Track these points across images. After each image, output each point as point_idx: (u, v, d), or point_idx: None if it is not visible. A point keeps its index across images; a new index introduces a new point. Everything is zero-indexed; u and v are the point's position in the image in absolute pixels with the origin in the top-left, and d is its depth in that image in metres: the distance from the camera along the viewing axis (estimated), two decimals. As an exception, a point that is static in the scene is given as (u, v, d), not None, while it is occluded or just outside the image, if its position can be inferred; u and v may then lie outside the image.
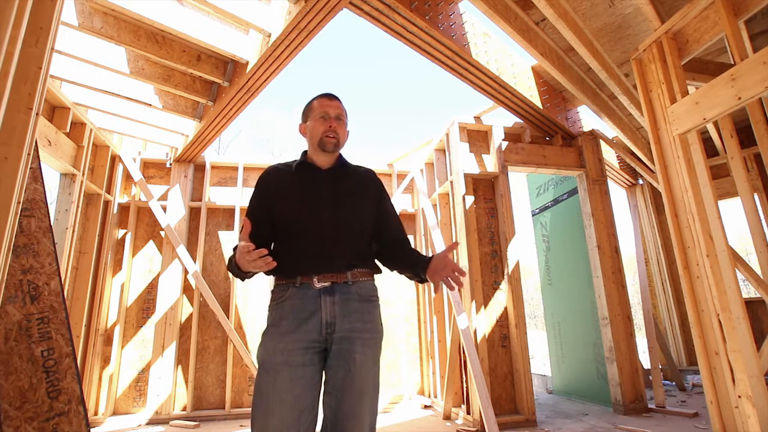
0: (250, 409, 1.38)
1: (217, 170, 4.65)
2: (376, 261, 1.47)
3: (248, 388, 4.10)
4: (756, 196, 4.15)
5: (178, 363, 3.97)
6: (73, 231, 3.52)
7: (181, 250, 4.07)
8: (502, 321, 3.66)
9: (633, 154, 4.60)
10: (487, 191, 3.99)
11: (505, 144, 3.96)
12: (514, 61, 3.60)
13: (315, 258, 1.30)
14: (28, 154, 1.33)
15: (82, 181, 3.61)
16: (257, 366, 1.25)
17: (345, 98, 1.60)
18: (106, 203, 4.10)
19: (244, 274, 1.29)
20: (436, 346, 4.25)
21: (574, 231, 4.37)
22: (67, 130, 3.43)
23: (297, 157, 1.51)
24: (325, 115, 1.41)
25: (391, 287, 4.78)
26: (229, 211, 4.53)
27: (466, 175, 3.81)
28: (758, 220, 3.18)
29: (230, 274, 4.29)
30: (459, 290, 3.65)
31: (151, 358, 3.90)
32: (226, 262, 1.36)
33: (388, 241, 1.47)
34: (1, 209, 1.23)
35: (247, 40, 3.10)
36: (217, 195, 4.60)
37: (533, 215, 5.19)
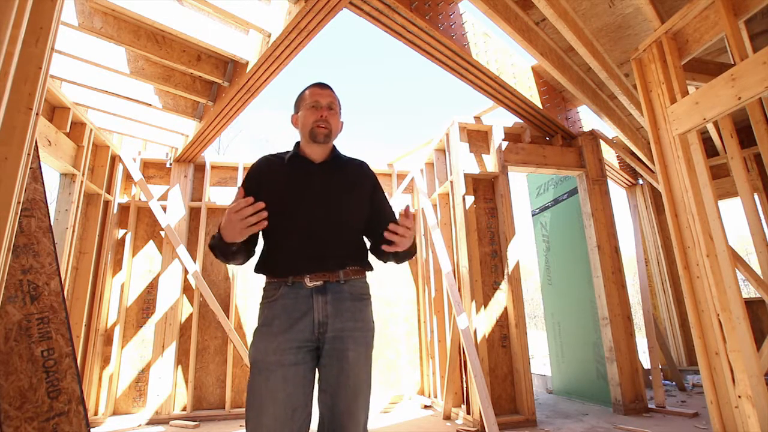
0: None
1: (217, 170, 4.65)
2: (369, 257, 1.44)
3: (248, 388, 4.10)
4: (756, 196, 4.15)
5: (178, 363, 3.97)
6: (73, 231, 3.52)
7: (181, 250, 4.07)
8: (502, 321, 3.66)
9: (633, 154, 4.60)
10: (487, 191, 3.99)
11: (505, 144, 3.96)
12: (514, 61, 3.60)
13: (307, 257, 1.28)
14: (28, 154, 1.33)
15: (82, 181, 3.61)
16: (250, 366, 1.25)
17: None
18: (106, 203, 4.10)
19: (228, 248, 1.21)
20: (436, 346, 4.25)
21: (574, 231, 4.37)
22: (67, 130, 3.43)
23: (290, 148, 1.46)
24: (316, 104, 1.38)
25: (391, 287, 4.78)
26: (229, 211, 4.52)
27: (466, 175, 3.81)
28: (758, 220, 3.18)
29: (229, 269, 4.32)
30: (459, 290, 3.65)
31: (151, 358, 3.90)
32: (209, 242, 1.29)
33: (381, 236, 1.44)
34: (1, 209, 1.23)
35: (247, 40, 3.10)
36: (217, 195, 4.60)
37: (533, 215, 5.19)
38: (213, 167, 4.62)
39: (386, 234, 1.20)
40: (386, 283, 4.78)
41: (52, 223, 2.24)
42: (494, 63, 3.36)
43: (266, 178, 1.37)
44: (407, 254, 1.38)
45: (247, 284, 4.40)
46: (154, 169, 4.52)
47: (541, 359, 8.62)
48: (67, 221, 3.45)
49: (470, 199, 3.80)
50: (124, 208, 4.33)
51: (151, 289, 4.21)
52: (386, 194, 5.05)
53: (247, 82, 3.14)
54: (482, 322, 3.55)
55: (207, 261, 4.33)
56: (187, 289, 4.17)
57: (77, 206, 3.56)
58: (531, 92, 3.72)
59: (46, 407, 1.95)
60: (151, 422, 3.69)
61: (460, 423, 3.47)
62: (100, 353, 3.92)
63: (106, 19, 2.77)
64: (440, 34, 2.90)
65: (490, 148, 3.99)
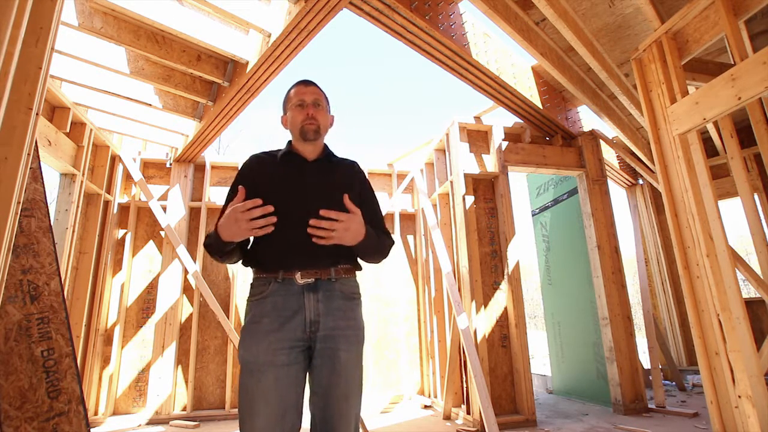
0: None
1: (217, 170, 4.65)
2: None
3: (248, 388, 4.10)
4: (756, 196, 4.15)
5: (178, 363, 3.97)
6: (73, 231, 3.52)
7: (181, 250, 4.07)
8: (502, 321, 3.66)
9: (633, 154, 4.60)
10: (487, 191, 3.99)
11: (505, 144, 3.96)
12: (514, 61, 3.60)
13: (299, 253, 1.26)
14: (28, 154, 1.33)
15: (82, 181, 3.61)
16: (240, 366, 1.24)
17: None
18: (106, 203, 4.10)
19: (224, 246, 1.22)
20: (436, 346, 4.25)
21: (574, 231, 4.37)
22: (67, 130, 3.43)
23: (282, 147, 1.47)
24: (302, 103, 1.39)
25: (391, 287, 4.78)
26: (229, 211, 4.52)
27: (466, 175, 3.81)
28: (758, 220, 3.18)
29: (230, 269, 4.32)
30: (459, 290, 3.65)
31: (151, 358, 3.90)
32: (204, 241, 1.28)
33: None
34: (1, 209, 1.22)
35: (247, 40, 3.10)
36: (217, 195, 4.60)
37: (533, 215, 5.19)
38: (213, 167, 4.62)
39: (309, 230, 1.19)
40: (386, 283, 4.78)
41: (52, 223, 2.24)
42: (494, 63, 3.36)
43: (259, 174, 1.37)
44: (366, 252, 1.34)
45: (247, 284, 4.40)
46: (154, 169, 4.52)
47: (541, 359, 8.62)
48: (67, 221, 3.45)
49: (470, 199, 3.80)
50: (124, 208, 4.33)
51: (151, 289, 4.21)
52: (386, 194, 5.07)
53: (247, 82, 3.14)
54: (482, 322, 3.55)
55: (207, 261, 4.33)
56: (187, 289, 4.17)
57: (77, 206, 3.56)
58: (531, 92, 3.72)
59: (46, 407, 1.95)
60: (151, 422, 3.69)
61: (460, 423, 3.47)
62: (100, 353, 3.92)
63: (106, 19, 2.77)
64: (440, 34, 2.90)
65: (490, 148, 3.99)
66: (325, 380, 1.22)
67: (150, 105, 3.57)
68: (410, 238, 5.02)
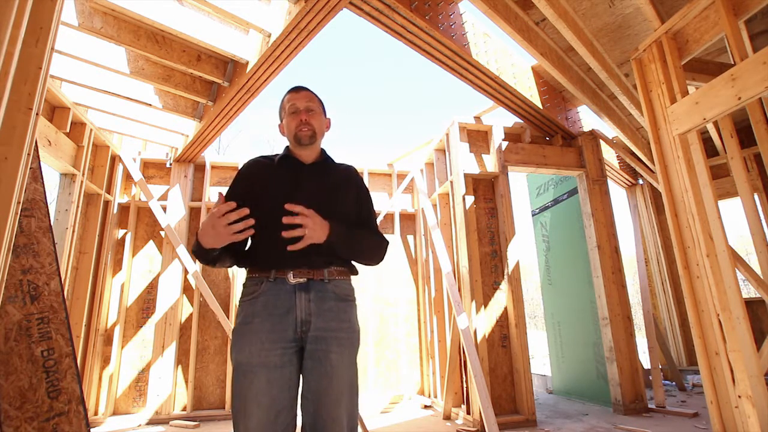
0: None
1: (217, 170, 4.65)
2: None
3: (248, 388, 4.10)
4: (756, 196, 4.15)
5: (178, 363, 3.97)
6: (73, 231, 3.51)
7: (181, 250, 4.07)
8: (502, 321, 3.66)
9: (633, 154, 4.60)
10: (487, 191, 3.99)
11: (505, 144, 3.96)
12: (514, 61, 3.60)
13: (293, 253, 1.24)
14: (28, 154, 1.33)
15: (82, 181, 3.61)
16: (233, 368, 1.22)
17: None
18: (106, 203, 4.10)
19: (208, 254, 1.22)
20: (436, 346, 4.25)
21: (574, 231, 4.37)
22: (67, 130, 3.43)
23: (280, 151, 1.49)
24: (295, 110, 1.40)
25: (391, 287, 4.78)
26: (229, 211, 4.52)
27: (466, 175, 3.81)
28: (758, 220, 3.18)
29: (228, 272, 4.32)
30: (459, 290, 3.65)
31: (151, 358, 3.90)
32: (191, 248, 1.29)
33: None
34: (1, 209, 1.23)
35: (247, 40, 3.10)
36: (217, 195, 4.59)
37: (533, 215, 5.19)
38: (213, 167, 4.62)
39: (284, 233, 1.18)
40: (386, 283, 4.78)
41: (52, 223, 2.24)
42: (494, 63, 3.36)
43: (257, 177, 1.38)
44: (353, 251, 1.35)
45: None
46: (154, 169, 4.52)
47: (541, 359, 8.62)
48: (67, 221, 3.45)
49: (470, 199, 3.80)
50: (124, 208, 4.33)
51: (151, 289, 4.21)
52: (386, 194, 5.07)
53: (247, 82, 3.14)
54: (482, 322, 3.55)
55: (207, 261, 4.32)
56: (187, 289, 4.17)
57: (77, 206, 3.56)
58: (531, 92, 3.72)
59: (46, 407, 1.95)
60: (151, 422, 3.69)
61: (460, 423, 3.47)
62: (100, 353, 3.91)
63: (106, 19, 2.77)
64: (440, 34, 2.90)
65: (490, 148, 3.99)
66: (315, 384, 1.20)
67: (150, 105, 3.57)
68: (410, 238, 5.02)
